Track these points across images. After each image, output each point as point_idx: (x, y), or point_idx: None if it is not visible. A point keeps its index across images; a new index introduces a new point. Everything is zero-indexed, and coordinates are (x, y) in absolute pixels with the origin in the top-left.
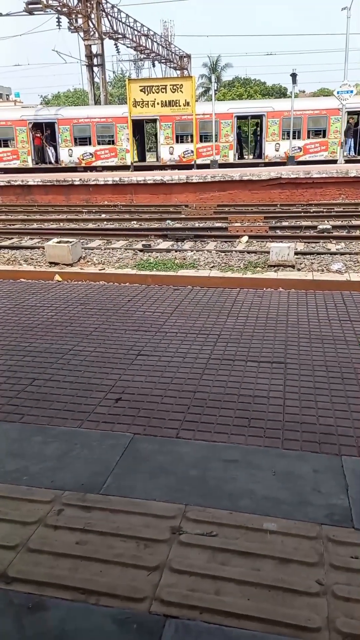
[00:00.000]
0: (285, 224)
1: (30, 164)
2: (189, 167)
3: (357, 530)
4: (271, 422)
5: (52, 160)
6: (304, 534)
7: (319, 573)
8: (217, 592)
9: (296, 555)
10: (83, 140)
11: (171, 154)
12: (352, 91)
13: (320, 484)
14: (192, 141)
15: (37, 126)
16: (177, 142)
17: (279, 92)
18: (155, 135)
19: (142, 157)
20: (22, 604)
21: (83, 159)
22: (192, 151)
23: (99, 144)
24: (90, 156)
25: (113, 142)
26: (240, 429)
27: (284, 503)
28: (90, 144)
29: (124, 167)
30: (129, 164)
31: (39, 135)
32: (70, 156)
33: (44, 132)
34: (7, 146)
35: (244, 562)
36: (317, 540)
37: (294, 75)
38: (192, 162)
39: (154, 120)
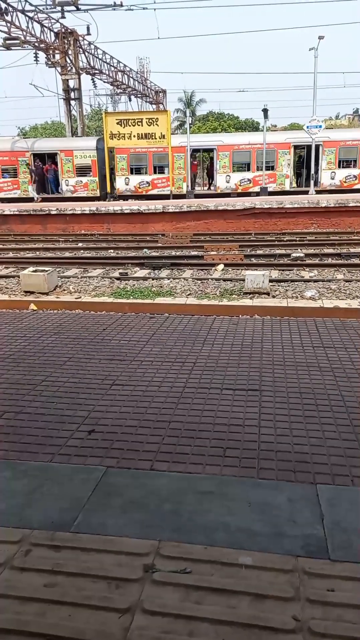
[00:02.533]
0: (259, 252)
1: (184, 190)
2: (351, 191)
3: (332, 561)
4: (246, 451)
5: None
6: (279, 567)
7: (295, 608)
8: (190, 633)
9: (272, 590)
10: (241, 167)
11: (332, 179)
12: (320, 126)
13: (295, 514)
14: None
15: (195, 153)
16: (339, 167)
17: (252, 126)
18: (309, 160)
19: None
20: None
21: (240, 185)
22: (354, 176)
23: (258, 169)
24: (248, 182)
25: (273, 168)
26: (215, 459)
27: (260, 535)
28: (248, 170)
29: (283, 193)
30: (287, 189)
31: (196, 162)
32: (228, 182)
33: (196, 159)
34: (163, 172)
35: (218, 600)
36: (292, 574)
37: (265, 111)
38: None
39: (318, 147)
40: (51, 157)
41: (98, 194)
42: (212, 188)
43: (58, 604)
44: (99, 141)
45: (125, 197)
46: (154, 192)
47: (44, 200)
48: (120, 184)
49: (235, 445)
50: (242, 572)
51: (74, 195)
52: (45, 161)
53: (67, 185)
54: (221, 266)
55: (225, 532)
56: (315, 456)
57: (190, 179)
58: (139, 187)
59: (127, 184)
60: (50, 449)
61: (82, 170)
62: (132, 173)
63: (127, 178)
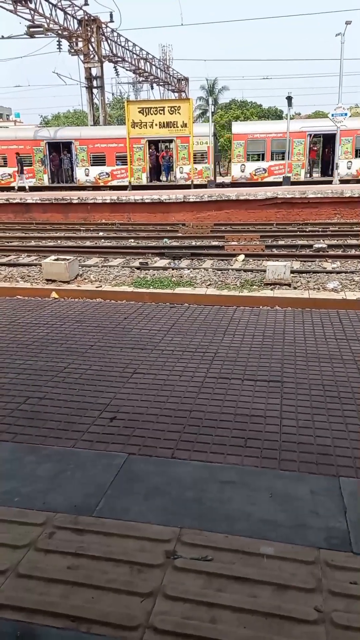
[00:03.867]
0: (281, 242)
1: (302, 177)
2: None
3: (355, 554)
4: (268, 442)
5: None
6: (301, 558)
7: (317, 600)
8: (212, 620)
9: (294, 581)
10: None
11: None
12: (346, 113)
13: (318, 506)
14: None
15: (315, 138)
16: None
17: (275, 115)
18: None
19: None
20: (10, 633)
21: None
22: None
23: None
24: None
25: None
26: (236, 449)
27: (281, 526)
28: None
29: None
30: None
31: (315, 148)
32: (349, 169)
33: (315, 145)
34: (283, 159)
35: (240, 589)
36: (315, 565)
37: (289, 99)
38: None
39: None
40: (165, 144)
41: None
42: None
43: (82, 586)
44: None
45: (239, 185)
46: (270, 179)
47: (160, 187)
48: (235, 171)
49: (257, 436)
50: (264, 562)
51: (188, 182)
52: (159, 148)
53: (181, 173)
54: (242, 257)
55: (247, 522)
56: (338, 449)
57: (308, 165)
58: (255, 174)
59: (242, 171)
60: (73, 434)
61: (197, 157)
62: (248, 160)
63: (243, 165)
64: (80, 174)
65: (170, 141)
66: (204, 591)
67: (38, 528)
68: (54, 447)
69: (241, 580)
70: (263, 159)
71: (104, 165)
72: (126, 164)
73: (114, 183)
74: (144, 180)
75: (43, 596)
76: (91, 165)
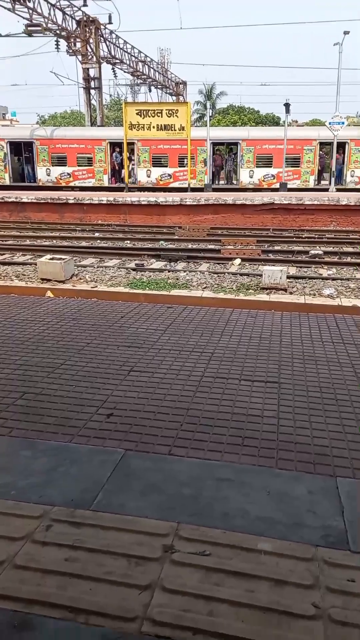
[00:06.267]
0: (277, 248)
1: None
2: None
3: (353, 552)
4: (265, 442)
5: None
6: (299, 555)
7: (315, 596)
8: (210, 613)
9: (291, 577)
10: None
11: None
12: (343, 122)
13: (315, 505)
14: None
15: None
16: None
17: (272, 121)
18: None
19: None
20: (7, 622)
21: None
22: None
23: None
24: None
25: None
26: (233, 448)
27: (279, 523)
28: None
29: None
30: None
31: None
32: None
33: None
34: None
35: (238, 583)
36: (312, 562)
37: (287, 105)
38: None
39: None
40: (341, 147)
41: None
42: None
43: (79, 577)
44: None
45: None
46: None
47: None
48: None
49: (254, 435)
50: (262, 558)
51: (358, 186)
52: (337, 150)
53: (352, 177)
54: (238, 260)
55: (244, 519)
56: (335, 449)
57: None
58: None
59: None
60: (70, 430)
61: None
62: None
63: None
64: (243, 176)
65: (345, 144)
66: (201, 585)
67: (35, 521)
68: (51, 442)
69: (239, 575)
70: None
71: (270, 167)
72: (295, 167)
73: (277, 185)
74: (311, 183)
75: (40, 587)
76: (256, 167)
